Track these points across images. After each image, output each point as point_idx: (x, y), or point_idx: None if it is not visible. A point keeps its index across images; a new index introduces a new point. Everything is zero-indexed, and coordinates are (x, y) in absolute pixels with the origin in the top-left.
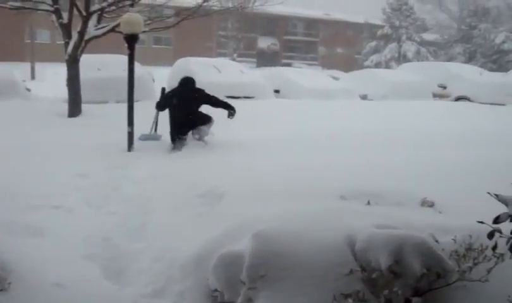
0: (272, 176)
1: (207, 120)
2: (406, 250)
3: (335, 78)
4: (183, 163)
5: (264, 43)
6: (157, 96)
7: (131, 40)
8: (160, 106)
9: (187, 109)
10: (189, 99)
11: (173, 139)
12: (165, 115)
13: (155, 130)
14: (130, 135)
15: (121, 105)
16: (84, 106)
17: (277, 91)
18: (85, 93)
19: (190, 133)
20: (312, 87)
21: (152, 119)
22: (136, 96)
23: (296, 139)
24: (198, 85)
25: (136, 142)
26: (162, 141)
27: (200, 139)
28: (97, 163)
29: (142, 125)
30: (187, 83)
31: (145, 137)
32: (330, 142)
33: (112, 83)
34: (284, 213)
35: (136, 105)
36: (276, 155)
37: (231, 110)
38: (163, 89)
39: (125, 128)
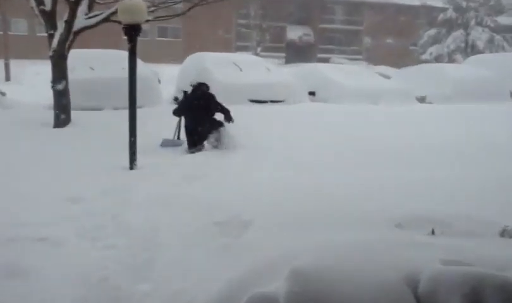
0: (309, 198)
1: (215, 125)
2: (486, 293)
3: (385, 76)
4: (198, 182)
5: (295, 33)
6: (164, 100)
7: (132, 31)
8: (176, 113)
9: (197, 117)
10: (198, 107)
11: (190, 148)
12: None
13: (178, 136)
14: (132, 149)
15: (120, 112)
16: (74, 114)
17: (312, 94)
18: (75, 98)
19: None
20: (356, 88)
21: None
22: (139, 101)
23: (338, 153)
24: (214, 87)
25: (144, 155)
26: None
27: (218, 146)
28: (92, 184)
29: (147, 138)
30: (201, 86)
31: (166, 143)
32: (380, 157)
33: (109, 85)
34: (327, 245)
35: (139, 113)
36: (314, 172)
37: (230, 119)
38: (185, 93)
39: (125, 141)
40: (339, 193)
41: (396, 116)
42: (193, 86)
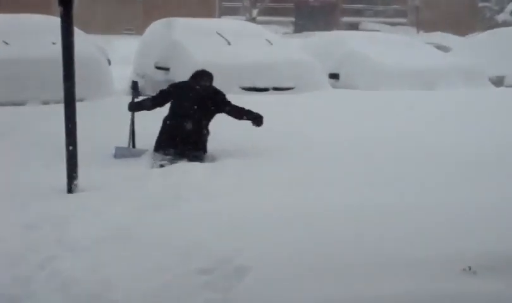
0: (333, 232)
1: (200, 153)
2: None
3: (443, 48)
4: (170, 210)
5: None
6: (116, 90)
7: None
8: (132, 107)
9: (189, 117)
10: (198, 102)
11: (156, 150)
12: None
13: (133, 143)
14: (71, 163)
15: (51, 108)
16: None
17: (334, 76)
18: None
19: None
20: (399, 67)
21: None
22: (79, 92)
23: (371, 165)
24: (190, 68)
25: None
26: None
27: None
28: (10, 216)
29: (93, 145)
30: (201, 78)
31: (121, 153)
32: (436, 170)
33: (34, 68)
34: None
35: (80, 108)
36: (338, 194)
37: (257, 120)
38: (134, 84)
39: (60, 151)
40: (376, 224)
41: (459, 106)
42: (193, 75)
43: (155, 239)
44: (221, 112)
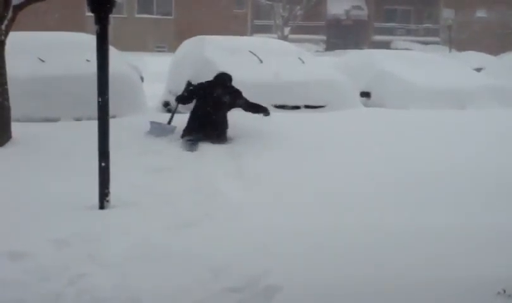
0: (365, 253)
1: (223, 137)
2: None
3: (475, 67)
4: (199, 227)
5: (339, 6)
6: (149, 107)
7: (101, 5)
8: (182, 99)
9: (213, 109)
10: (220, 101)
11: (184, 135)
12: None
13: (169, 122)
14: (103, 179)
15: (84, 124)
16: (16, 128)
17: (365, 95)
18: (17, 104)
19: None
20: (431, 86)
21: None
22: (112, 108)
23: (404, 185)
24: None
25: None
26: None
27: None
28: (41, 232)
29: (125, 162)
30: (223, 80)
31: (154, 128)
32: (471, 194)
33: (67, 85)
34: None
35: (112, 125)
36: (368, 215)
37: (264, 113)
38: (189, 83)
39: (92, 167)
40: (408, 247)
41: (491, 127)
42: (214, 77)
43: (184, 257)
44: (237, 106)
